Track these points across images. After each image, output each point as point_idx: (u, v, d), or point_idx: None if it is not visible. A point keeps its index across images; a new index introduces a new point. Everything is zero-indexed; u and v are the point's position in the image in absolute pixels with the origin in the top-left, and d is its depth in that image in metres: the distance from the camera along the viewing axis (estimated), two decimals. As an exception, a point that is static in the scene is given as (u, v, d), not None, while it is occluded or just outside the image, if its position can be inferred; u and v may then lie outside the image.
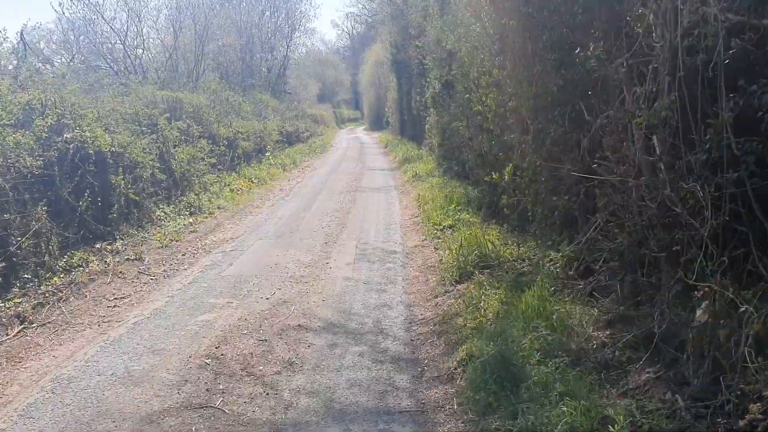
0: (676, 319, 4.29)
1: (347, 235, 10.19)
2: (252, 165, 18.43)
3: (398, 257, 8.63)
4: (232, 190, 14.59)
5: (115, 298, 6.98)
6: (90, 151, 8.88)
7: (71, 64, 22.57)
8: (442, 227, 9.75)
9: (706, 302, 3.46)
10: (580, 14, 6.41)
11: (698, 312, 3.44)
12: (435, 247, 8.88)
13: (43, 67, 21.42)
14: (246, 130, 19.00)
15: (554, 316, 4.84)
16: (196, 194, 12.82)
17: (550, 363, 4.15)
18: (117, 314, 6.43)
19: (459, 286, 6.55)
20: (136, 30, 21.53)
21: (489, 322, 5.18)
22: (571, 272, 5.85)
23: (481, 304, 5.59)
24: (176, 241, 9.79)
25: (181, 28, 22.01)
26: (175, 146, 13.01)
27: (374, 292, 6.92)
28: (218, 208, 12.79)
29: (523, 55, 8.14)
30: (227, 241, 9.93)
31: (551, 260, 6.21)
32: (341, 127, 67.22)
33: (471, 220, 9.61)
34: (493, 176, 8.90)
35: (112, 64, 21.08)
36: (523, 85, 7.83)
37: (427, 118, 21.97)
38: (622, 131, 4.75)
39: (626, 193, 4.85)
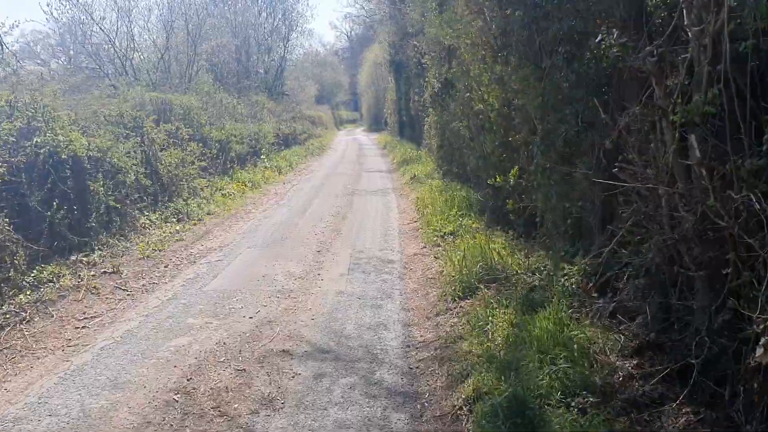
0: (717, 349, 3.68)
1: (342, 242, 9.58)
2: (246, 168, 17.82)
3: (396, 267, 8.01)
4: (223, 195, 13.97)
5: (85, 318, 6.35)
6: (64, 156, 8.27)
7: (59, 63, 22.01)
8: (442, 234, 9.13)
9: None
10: (595, 1, 5.81)
11: (758, 351, 2.82)
12: (435, 256, 8.26)
13: (35, 69, 20.97)
14: (240, 132, 18.39)
15: (573, 343, 4.22)
16: (184, 200, 12.19)
17: (572, 403, 3.53)
18: (84, 337, 5.81)
19: (462, 303, 5.92)
20: (126, 30, 20.95)
21: (498, 349, 4.55)
22: (589, 288, 5.22)
23: (488, 327, 4.97)
24: (160, 250, 9.17)
25: (173, 29, 21.38)
26: (162, 149, 12.40)
27: (369, 308, 6.29)
28: (208, 214, 12.17)
29: (530, 50, 7.53)
30: (214, 250, 9.31)
31: (565, 274, 5.58)
32: (340, 129, 66.68)
33: (474, 225, 8.99)
34: (497, 179, 8.28)
35: (101, 66, 20.51)
36: (530, 81, 7.22)
37: (426, 118, 21.39)
38: (650, 130, 4.13)
39: (654, 202, 4.24)
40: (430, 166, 16.96)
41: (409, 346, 5.22)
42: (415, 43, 25.16)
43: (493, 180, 9.00)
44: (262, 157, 19.77)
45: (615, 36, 3.96)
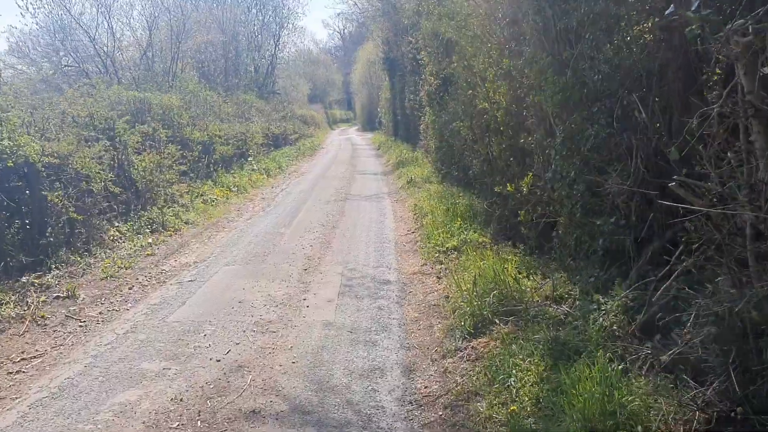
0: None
1: (332, 257, 8.56)
2: (232, 171, 16.76)
3: (393, 289, 7.00)
4: (205, 202, 12.92)
5: (23, 359, 5.32)
6: (11, 164, 7.21)
7: (51, 63, 20.85)
8: (444, 249, 8.12)
9: None
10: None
11: None
12: (438, 276, 7.26)
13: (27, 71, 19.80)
14: (225, 132, 17.33)
15: (626, 412, 3.23)
16: (159, 208, 11.14)
17: None
18: (17, 386, 4.78)
19: (474, 342, 4.91)
20: (108, 26, 19.86)
21: (527, 415, 3.55)
22: (632, 329, 4.23)
23: (511, 380, 3.97)
24: (126, 268, 8.14)
25: (157, 25, 20.31)
26: (136, 153, 11.35)
27: (362, 345, 5.28)
28: (186, 223, 11.13)
29: (546, 39, 6.53)
30: (188, 267, 8.28)
31: (600, 308, 4.58)
32: (333, 128, 65.73)
33: (480, 240, 7.99)
34: (509, 187, 7.29)
35: (81, 63, 19.41)
36: (547, 75, 6.22)
37: (422, 118, 20.42)
38: (731, 135, 3.14)
39: (730, 229, 3.25)
40: (428, 169, 15.96)
41: (410, 403, 4.20)
42: (410, 39, 24.21)
43: (501, 187, 8.03)
44: (249, 159, 18.72)
45: (696, 6, 2.93)
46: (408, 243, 9.40)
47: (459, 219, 9.16)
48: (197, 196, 13.04)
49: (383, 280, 7.36)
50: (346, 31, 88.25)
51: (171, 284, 7.46)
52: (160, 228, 10.47)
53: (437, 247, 8.23)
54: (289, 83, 56.13)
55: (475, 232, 8.43)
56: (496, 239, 7.99)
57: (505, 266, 6.10)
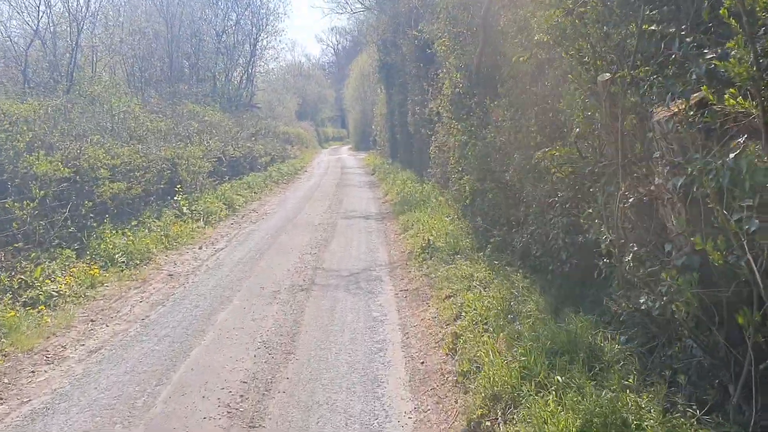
0: None
1: None
2: (127, 227, 9.97)
3: None
4: (27, 305, 6.56)
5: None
6: None
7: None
8: None
9: None
10: None
11: None
12: None
13: None
14: (130, 158, 10.97)
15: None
16: None
17: None
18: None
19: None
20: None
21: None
22: None
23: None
24: None
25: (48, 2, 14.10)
26: None
27: None
28: None
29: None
30: None
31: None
32: (324, 147, 60.30)
33: None
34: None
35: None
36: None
37: (432, 137, 14.30)
38: None
39: None
40: (454, 222, 9.69)
41: None
42: (415, 32, 18.20)
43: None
44: (176, 197, 12.33)
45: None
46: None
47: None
48: (15, 294, 6.65)
49: None
50: (340, 46, 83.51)
51: None
52: None
53: None
54: (274, 97, 50.44)
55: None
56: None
57: None
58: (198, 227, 11.84)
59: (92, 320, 6.45)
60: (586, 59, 4.41)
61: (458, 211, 9.95)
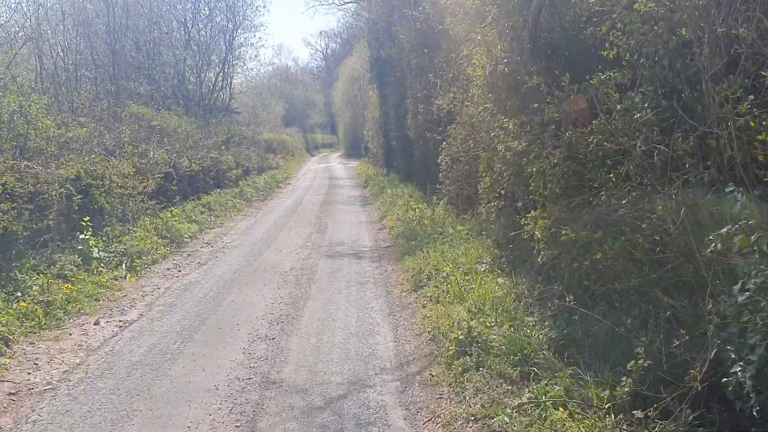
0: None
1: None
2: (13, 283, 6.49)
3: None
4: None
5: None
6: None
7: None
8: None
9: None
10: None
11: None
12: None
13: None
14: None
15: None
16: None
17: None
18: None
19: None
20: None
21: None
22: None
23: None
24: None
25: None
26: None
27: None
28: None
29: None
30: None
31: None
32: (313, 154, 56.91)
33: None
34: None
35: None
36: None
37: (445, 143, 10.71)
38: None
39: None
40: (497, 279, 5.99)
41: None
42: (416, 12, 14.65)
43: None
44: (85, 235, 8.53)
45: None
46: None
47: None
48: None
49: None
50: (329, 50, 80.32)
51: None
52: None
53: None
54: (258, 102, 46.83)
55: None
56: None
57: None
58: (114, 278, 8.11)
59: None
60: None
61: (503, 258, 6.25)
